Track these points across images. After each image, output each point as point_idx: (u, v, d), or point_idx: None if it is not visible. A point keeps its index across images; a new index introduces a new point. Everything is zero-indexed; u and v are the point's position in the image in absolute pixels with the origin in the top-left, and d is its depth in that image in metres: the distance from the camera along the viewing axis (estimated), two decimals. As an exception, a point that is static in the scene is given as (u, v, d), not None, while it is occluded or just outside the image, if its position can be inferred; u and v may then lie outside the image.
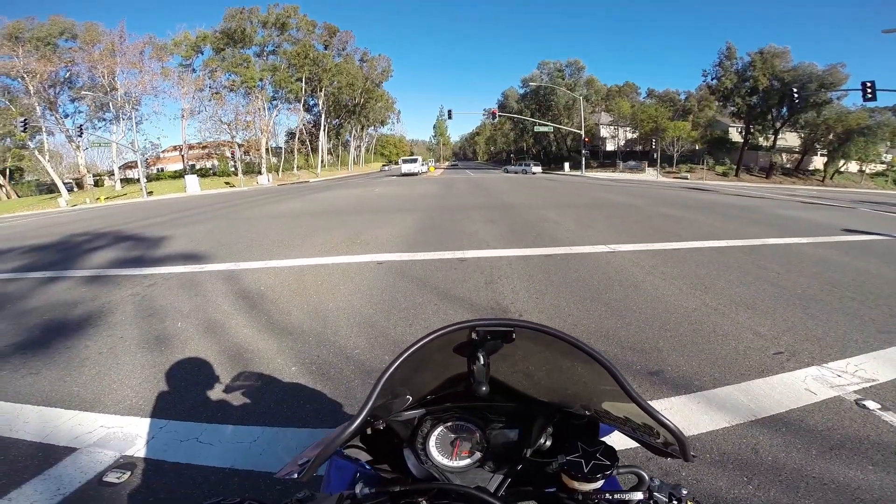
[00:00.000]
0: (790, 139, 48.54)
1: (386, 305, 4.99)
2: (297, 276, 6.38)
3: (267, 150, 55.80)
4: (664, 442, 0.77)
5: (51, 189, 45.45)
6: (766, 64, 41.87)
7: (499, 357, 0.84)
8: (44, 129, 43.11)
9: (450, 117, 48.46)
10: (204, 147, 59.40)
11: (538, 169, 51.11)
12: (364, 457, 1.00)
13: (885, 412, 2.68)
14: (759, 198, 19.67)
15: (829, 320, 4.26)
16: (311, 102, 68.43)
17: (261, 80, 57.08)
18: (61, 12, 51.99)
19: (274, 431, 2.67)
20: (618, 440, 0.99)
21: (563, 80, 60.66)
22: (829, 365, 3.34)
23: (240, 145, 54.40)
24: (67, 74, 45.85)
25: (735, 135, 52.64)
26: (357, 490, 0.77)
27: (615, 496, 0.73)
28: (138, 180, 41.87)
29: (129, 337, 4.36)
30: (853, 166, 44.62)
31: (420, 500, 0.77)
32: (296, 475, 0.71)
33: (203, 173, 55.13)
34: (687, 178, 40.95)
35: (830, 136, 41.82)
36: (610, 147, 63.79)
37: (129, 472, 2.34)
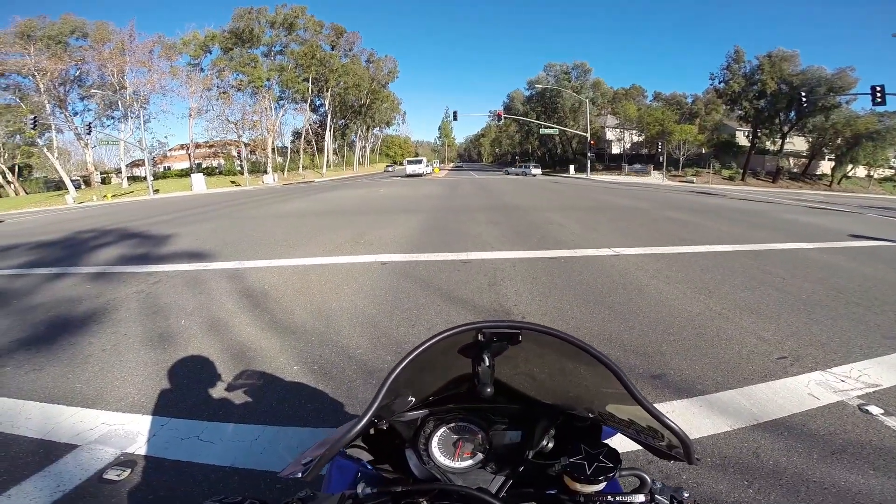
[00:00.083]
0: (798, 143, 48.25)
1: (389, 306, 5.00)
2: (301, 276, 6.39)
3: (273, 149, 55.99)
4: (668, 444, 0.76)
5: (59, 186, 45.87)
6: (775, 67, 41.67)
7: (503, 359, 0.84)
8: (53, 127, 43.51)
9: (455, 118, 48.49)
10: (210, 146, 59.74)
11: (537, 171, 52.34)
12: (365, 456, 1.00)
13: (888, 417, 2.66)
14: (765, 202, 19.57)
15: (833, 325, 4.23)
16: (318, 103, 68.69)
17: (268, 79, 57.30)
18: (73, 11, 52.43)
19: (275, 430, 2.68)
20: (619, 443, 0.99)
21: (570, 82, 60.52)
22: (832, 370, 3.31)
23: (246, 145, 54.69)
24: (77, 73, 46.25)
25: (742, 139, 52.42)
26: (359, 490, 0.77)
27: (617, 498, 0.73)
28: (145, 178, 42.10)
29: (133, 334, 4.39)
30: (861, 171, 44.35)
31: (421, 500, 0.77)
32: (300, 475, 0.71)
33: (209, 172, 55.51)
34: (693, 182, 40.79)
35: (838, 141, 41.53)
36: (615, 150, 63.71)
37: (129, 470, 2.34)
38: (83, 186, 48.31)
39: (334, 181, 46.69)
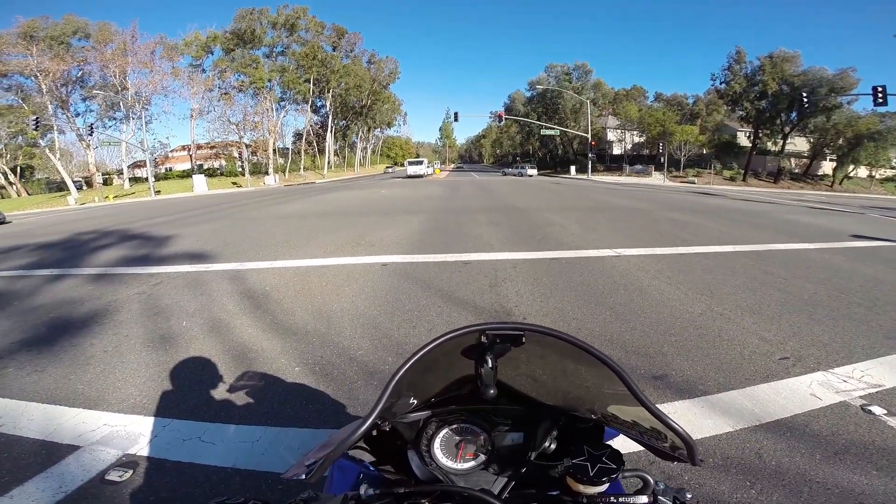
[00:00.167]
0: (799, 144, 48.18)
1: (390, 307, 5.00)
2: (302, 277, 6.40)
3: (274, 150, 56.08)
4: (671, 446, 0.76)
5: (60, 187, 45.93)
6: (776, 68, 41.63)
7: (505, 360, 0.83)
8: (55, 128, 43.59)
9: (456, 119, 48.51)
10: (212, 147, 59.83)
11: (533, 172, 54.14)
12: (367, 457, 0.99)
13: (890, 417, 2.66)
14: (766, 203, 19.55)
15: (835, 326, 4.23)
16: (319, 104, 68.77)
17: (269, 80, 57.39)
18: (75, 11, 52.52)
19: (276, 431, 2.68)
20: (621, 444, 0.99)
21: (571, 83, 60.51)
22: (835, 370, 3.31)
23: (247, 146, 54.78)
24: (80, 73, 46.44)
25: (743, 139, 52.36)
26: (361, 491, 0.77)
27: (619, 499, 0.73)
28: (147, 179, 42.26)
29: (135, 335, 4.39)
30: (863, 171, 44.26)
31: (424, 501, 0.77)
32: (303, 476, 0.71)
33: (210, 173, 55.63)
34: (694, 183, 40.76)
35: (840, 141, 41.49)
36: (617, 151, 63.68)
37: (131, 471, 2.35)
38: (85, 187, 48.45)
39: (335, 182, 46.75)
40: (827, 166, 46.94)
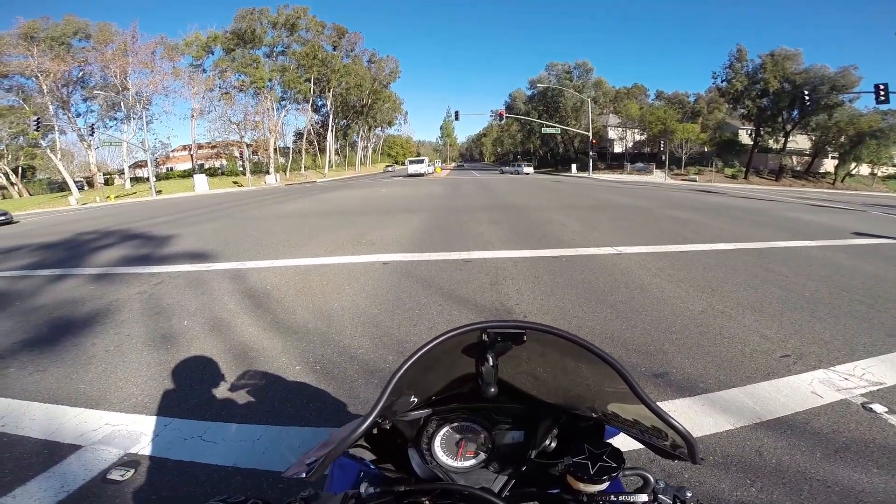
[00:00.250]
0: (801, 142, 48.07)
1: (391, 305, 5.00)
2: (303, 276, 6.40)
3: (275, 150, 56.06)
4: (672, 444, 0.76)
5: (62, 187, 45.99)
6: (777, 66, 41.49)
7: (506, 358, 0.83)
8: (56, 128, 43.66)
9: (457, 118, 48.25)
10: (213, 147, 59.81)
11: (529, 169, 55.82)
12: (368, 456, 1.00)
13: (891, 415, 2.65)
14: (768, 200, 19.51)
15: (836, 323, 4.22)
16: (320, 103, 68.77)
17: (270, 80, 57.39)
18: (76, 12, 52.54)
19: (277, 430, 2.68)
20: (621, 442, 0.99)
21: (572, 81, 60.42)
22: (836, 368, 3.30)
23: (248, 145, 54.74)
24: (80, 74, 46.45)
25: (745, 137, 52.26)
26: (362, 489, 0.77)
27: (620, 498, 0.73)
28: (148, 179, 42.29)
29: (136, 335, 4.40)
30: (864, 169, 44.12)
31: (424, 499, 0.77)
32: (304, 475, 0.71)
33: (212, 173, 55.65)
34: (695, 181, 40.67)
35: (842, 139, 41.34)
36: (618, 149, 63.50)
37: (132, 470, 2.35)
38: (86, 187, 48.53)
39: (336, 181, 46.75)
40: (829, 164, 46.79)
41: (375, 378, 3.30)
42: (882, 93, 23.06)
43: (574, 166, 55.83)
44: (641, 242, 8.27)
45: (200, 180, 42.91)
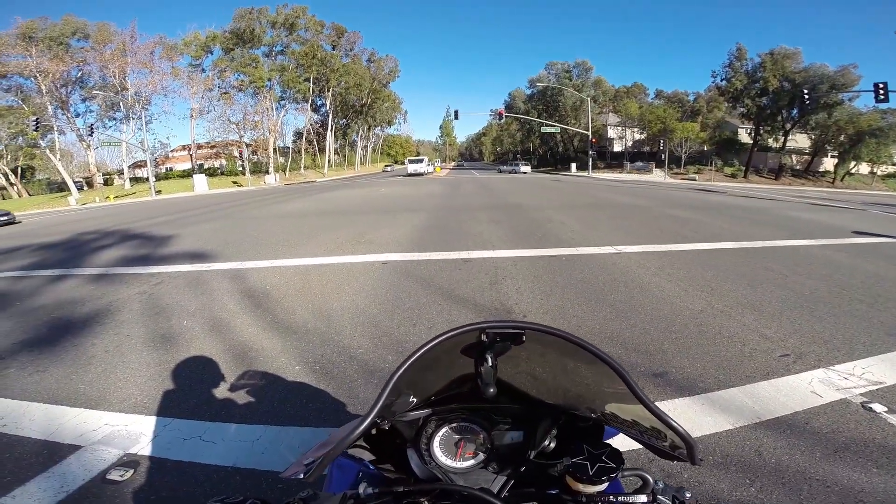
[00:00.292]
0: (800, 140, 48.06)
1: (390, 305, 5.00)
2: (303, 276, 6.40)
3: (274, 149, 56.01)
4: (671, 445, 0.76)
5: (61, 188, 45.97)
6: (777, 65, 41.45)
7: (505, 358, 0.83)
8: (55, 129, 43.60)
9: (456, 118, 48.38)
10: (212, 147, 59.77)
11: (527, 168, 56.00)
12: (367, 456, 0.99)
13: (891, 415, 2.65)
14: (767, 199, 19.51)
15: (836, 323, 4.22)
16: (319, 102, 68.69)
17: (269, 80, 57.31)
18: (74, 12, 52.42)
19: (276, 430, 2.68)
20: (620, 442, 0.99)
21: (571, 80, 60.38)
22: (835, 367, 3.31)
23: (248, 145, 54.68)
24: (79, 74, 46.36)
25: (744, 136, 52.24)
26: (360, 490, 0.77)
27: (619, 498, 0.73)
28: (147, 179, 42.27)
29: (136, 335, 4.40)
30: (864, 168, 44.11)
31: (423, 500, 0.77)
32: (302, 475, 0.71)
33: (211, 173, 55.62)
34: (695, 180, 40.66)
35: (841, 138, 41.30)
36: (617, 148, 63.51)
37: (132, 470, 2.35)
38: (86, 188, 48.49)
39: (336, 181, 46.74)
40: (828, 163, 46.78)
41: (375, 378, 3.30)
42: (882, 91, 23.03)
43: (574, 165, 55.83)
44: (641, 241, 8.27)
45: (200, 180, 42.89)
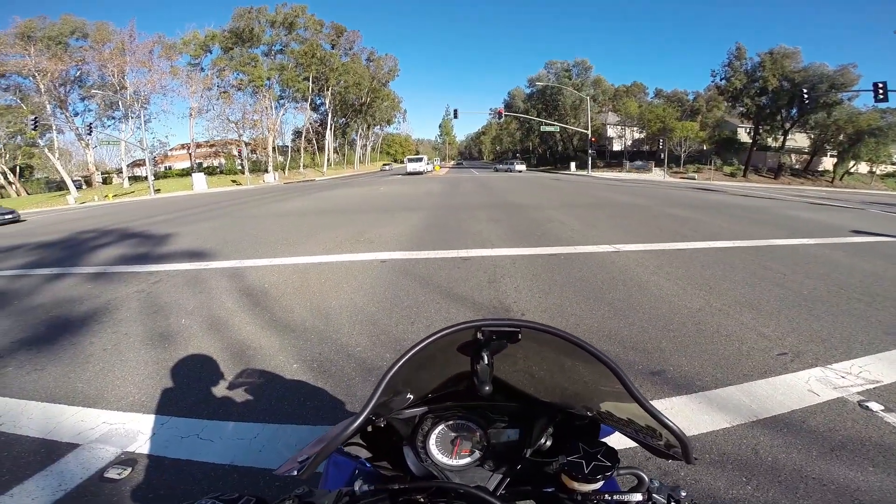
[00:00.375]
0: (799, 140, 48.05)
1: (388, 303, 5.00)
2: (301, 274, 6.40)
3: (274, 148, 56.00)
4: (666, 444, 0.76)
5: (60, 187, 45.91)
6: (776, 64, 41.45)
7: (502, 356, 0.83)
8: (54, 128, 43.50)
9: (455, 117, 48.38)
10: (211, 145, 59.67)
11: (522, 167, 56.15)
12: (363, 454, 1.00)
13: (888, 413, 2.66)
14: (766, 198, 19.52)
15: (834, 321, 4.23)
16: (318, 101, 68.61)
17: (268, 79, 57.24)
18: (73, 11, 52.39)
19: (274, 428, 2.69)
20: (616, 440, 0.99)
21: (571, 79, 60.32)
22: (833, 366, 3.31)
23: (247, 144, 54.66)
24: (78, 73, 46.22)
25: (743, 135, 52.19)
26: (356, 487, 0.77)
27: (614, 497, 0.73)
28: (146, 178, 42.20)
29: (134, 333, 4.40)
30: (863, 167, 44.15)
31: (419, 498, 0.77)
32: (295, 472, 0.71)
33: (210, 171, 55.55)
34: (694, 179, 40.68)
35: (840, 137, 41.34)
36: (617, 147, 63.47)
37: (130, 469, 2.35)
38: (84, 187, 48.37)
39: (335, 179, 46.72)
40: (827, 162, 46.83)
41: (373, 376, 3.30)
42: (881, 91, 23.01)
43: (573, 164, 55.86)
44: (640, 240, 8.27)
45: (199, 179, 42.88)
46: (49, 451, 2.55)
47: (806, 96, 31.03)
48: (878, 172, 44.08)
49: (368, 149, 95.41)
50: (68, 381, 3.46)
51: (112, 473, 2.31)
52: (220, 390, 3.21)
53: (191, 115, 52.63)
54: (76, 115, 48.63)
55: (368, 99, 72.75)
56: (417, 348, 0.74)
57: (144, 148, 42.95)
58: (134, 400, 3.12)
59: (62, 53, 42.72)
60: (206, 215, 15.82)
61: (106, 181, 52.51)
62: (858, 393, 2.91)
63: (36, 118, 34.17)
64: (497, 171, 57.74)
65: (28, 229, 15.86)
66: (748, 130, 49.59)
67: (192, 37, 54.24)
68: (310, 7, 60.51)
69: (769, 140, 47.73)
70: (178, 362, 3.69)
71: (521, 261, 6.84)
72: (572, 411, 0.93)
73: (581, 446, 0.77)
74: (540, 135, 67.89)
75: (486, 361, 0.80)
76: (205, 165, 60.59)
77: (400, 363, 0.73)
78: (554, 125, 53.52)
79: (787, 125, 44.82)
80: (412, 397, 0.90)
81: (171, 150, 60.81)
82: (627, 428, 0.83)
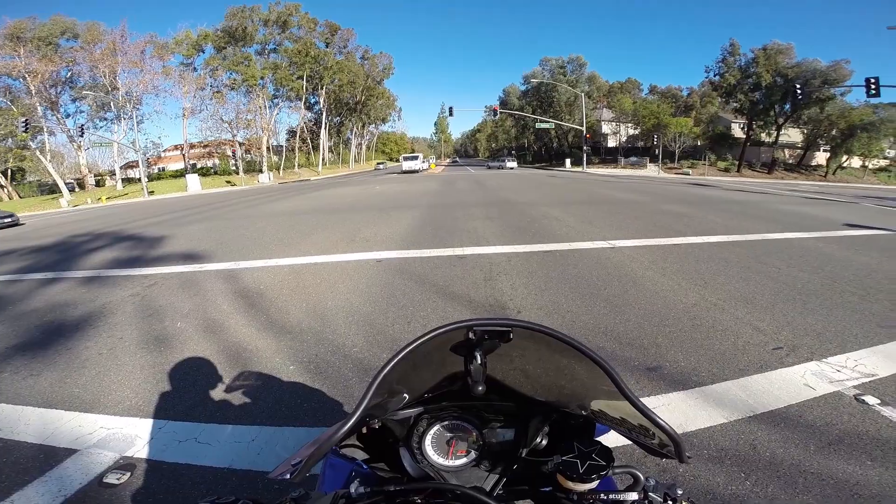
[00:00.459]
0: (793, 135, 48.25)
1: (384, 303, 5.00)
2: (296, 275, 6.38)
3: (268, 148, 55.84)
4: (659, 443, 0.76)
5: (52, 189, 45.54)
6: (770, 60, 41.63)
7: (496, 356, 0.84)
8: (45, 130, 43.16)
9: (451, 114, 48.30)
10: (205, 146, 59.38)
11: (513, 164, 57.91)
12: (360, 455, 0.99)
13: (884, 407, 2.68)
14: (760, 193, 19.61)
15: (829, 315, 4.25)
16: (313, 100, 68.49)
17: (262, 78, 57.03)
18: (63, 12, 51.92)
19: (271, 431, 2.68)
20: (613, 439, 0.99)
21: (565, 76, 60.38)
22: (828, 360, 3.33)
23: (241, 144, 54.45)
24: (69, 74, 45.97)
25: (737, 131, 52.39)
26: (352, 489, 0.77)
27: (610, 496, 0.73)
28: (139, 180, 41.97)
29: (129, 337, 4.38)
30: (856, 162, 44.40)
31: (416, 499, 0.77)
32: (288, 476, 0.71)
33: (204, 172, 55.24)
34: (689, 174, 40.79)
35: (833, 132, 41.57)
36: (611, 143, 63.60)
37: (128, 473, 2.35)
38: (77, 189, 48.04)
39: (330, 179, 46.61)
40: (820, 157, 47.05)
41: (369, 377, 3.27)
42: (873, 86, 23.13)
43: (568, 161, 55.93)
44: (635, 236, 8.29)
45: (193, 180, 42.66)
46: (48, 457, 2.53)
47: (799, 92, 31.19)
48: (870, 167, 44.31)
49: (363, 147, 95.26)
50: (65, 386, 3.44)
51: (111, 478, 2.30)
52: (217, 393, 3.20)
53: (184, 115, 52.43)
54: (67, 116, 48.41)
55: (363, 97, 72.63)
56: (408, 349, 0.74)
57: (137, 149, 42.64)
58: (131, 404, 3.10)
59: (52, 54, 42.44)
60: (201, 217, 15.75)
61: (99, 183, 52.24)
62: (854, 387, 2.93)
63: (27, 120, 33.96)
64: (489, 168, 58.23)
65: (22, 233, 15.75)
66: (742, 126, 49.82)
67: (185, 36, 54.05)
68: (303, 5, 60.33)
69: (763, 135, 47.95)
70: (175, 366, 3.67)
71: (516, 258, 6.84)
72: (567, 410, 0.93)
73: (576, 446, 0.77)
74: (535, 132, 67.88)
75: (479, 361, 0.80)
76: (199, 166, 60.25)
77: (390, 365, 0.73)
78: (549, 122, 53.62)
79: (781, 120, 45.02)
80: (407, 398, 0.90)
81: (164, 151, 60.54)
82: (621, 427, 0.83)
